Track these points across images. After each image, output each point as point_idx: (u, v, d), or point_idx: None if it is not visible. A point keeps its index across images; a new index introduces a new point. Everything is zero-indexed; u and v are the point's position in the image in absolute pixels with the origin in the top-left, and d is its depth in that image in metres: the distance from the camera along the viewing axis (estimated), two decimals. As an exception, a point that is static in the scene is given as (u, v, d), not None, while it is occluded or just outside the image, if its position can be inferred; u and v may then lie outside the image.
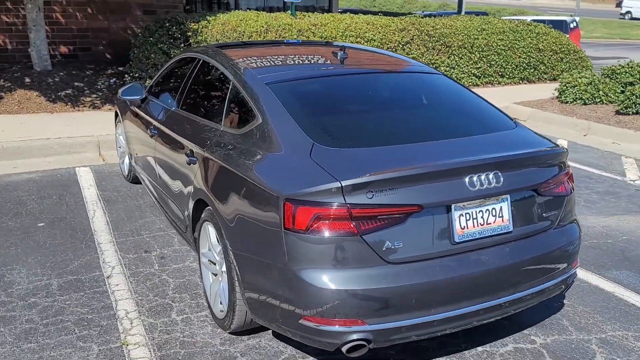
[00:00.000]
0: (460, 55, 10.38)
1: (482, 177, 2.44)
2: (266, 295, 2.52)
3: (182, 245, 4.16)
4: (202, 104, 3.73)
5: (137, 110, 4.63)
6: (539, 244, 2.64)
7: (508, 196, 2.54)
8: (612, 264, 3.88)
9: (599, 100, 8.77)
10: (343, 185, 2.26)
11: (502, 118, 3.03)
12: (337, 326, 2.32)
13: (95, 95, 8.54)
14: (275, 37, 8.97)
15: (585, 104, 8.78)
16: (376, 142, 2.63)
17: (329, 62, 3.41)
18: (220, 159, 2.87)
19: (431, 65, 10.02)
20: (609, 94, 8.71)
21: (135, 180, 5.46)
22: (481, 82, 10.60)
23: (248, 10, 9.64)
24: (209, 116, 3.42)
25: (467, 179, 2.42)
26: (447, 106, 3.18)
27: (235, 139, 2.93)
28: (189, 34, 8.52)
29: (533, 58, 11.20)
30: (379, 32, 9.84)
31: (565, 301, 3.35)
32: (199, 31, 8.58)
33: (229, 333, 3.03)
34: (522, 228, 2.61)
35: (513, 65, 10.95)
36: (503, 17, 13.47)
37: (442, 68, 10.08)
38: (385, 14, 12.38)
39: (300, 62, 3.43)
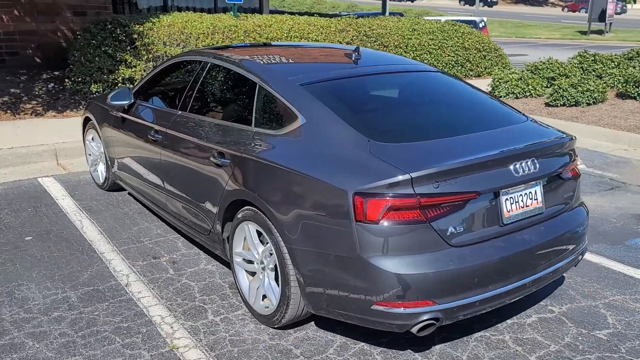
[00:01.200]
0: (397, 54, 10.84)
1: (524, 164, 2.72)
2: (333, 287, 2.65)
3: (189, 249, 4.16)
4: (220, 106, 3.75)
5: (124, 115, 4.54)
6: (562, 222, 2.96)
7: (540, 181, 2.84)
8: (589, 239, 4.34)
9: (528, 94, 9.53)
10: (413, 177, 2.45)
11: (514, 112, 3.34)
12: (410, 308, 2.50)
13: (35, 102, 8.11)
14: (223, 39, 8.95)
15: (517, 97, 9.51)
16: (421, 137, 2.83)
17: (347, 63, 3.56)
18: (266, 159, 2.94)
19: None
20: (537, 88, 9.49)
21: (113, 188, 5.33)
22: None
23: (181, 12, 9.49)
24: (232, 118, 3.47)
25: (512, 166, 2.69)
26: (465, 101, 3.44)
27: (275, 140, 3.02)
28: (135, 36, 8.31)
29: (460, 56, 11.91)
30: (322, 33, 10.08)
31: (564, 274, 3.73)
32: (145, 33, 8.39)
33: (276, 328, 3.12)
34: (550, 209, 2.92)
35: (443, 64, 11.59)
36: (425, 18, 14.16)
37: (381, 67, 10.47)
38: (310, 14, 12.61)
39: (321, 63, 3.57)
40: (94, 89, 8.08)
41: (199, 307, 3.37)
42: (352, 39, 10.40)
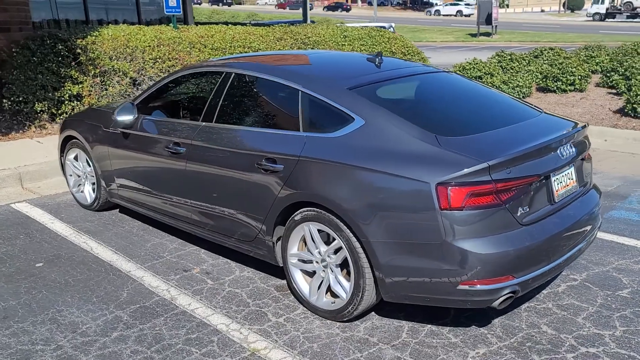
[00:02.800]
0: (334, 60, 11.20)
1: (566, 148, 3.10)
2: (417, 274, 2.87)
3: (215, 259, 4.18)
4: (255, 115, 3.81)
5: (126, 131, 4.45)
6: (589, 199, 3.38)
7: (574, 163, 3.23)
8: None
9: (462, 92, 10.22)
10: (490, 164, 2.73)
11: (529, 106, 3.72)
12: (493, 284, 2.78)
13: (-27, 125, 7.56)
14: (169, 51, 8.81)
15: (452, 96, 10.17)
16: (475, 130, 3.11)
17: (373, 67, 3.77)
18: (333, 160, 3.09)
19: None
20: (469, 87, 10.21)
21: (103, 208, 5.18)
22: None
23: (104, 26, 9.24)
24: (273, 125, 3.57)
25: (558, 151, 3.05)
26: (488, 97, 3.76)
27: (334, 142, 3.18)
28: (79, 51, 7.99)
29: (389, 60, 12.48)
30: (263, 41, 10.20)
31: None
32: (88, 48, 8.09)
33: (344, 321, 3.28)
34: (580, 188, 3.33)
35: (375, 67, 12.09)
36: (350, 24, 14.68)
37: (320, 73, 10.76)
38: (225, 23, 12.62)
39: (352, 68, 3.76)
40: (39, 108, 7.67)
41: (257, 312, 3.44)
42: (291, 47, 10.61)
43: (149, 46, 8.64)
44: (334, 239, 3.20)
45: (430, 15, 61.62)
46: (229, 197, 3.72)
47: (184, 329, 3.27)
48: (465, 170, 2.72)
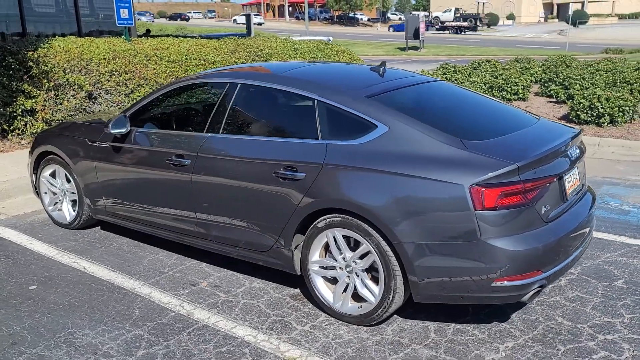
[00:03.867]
0: (287, 73, 11.26)
1: (574, 150, 3.32)
2: (452, 274, 2.97)
3: (220, 272, 4.12)
4: (267, 125, 3.80)
5: (116, 144, 4.31)
6: (588, 199, 3.62)
7: (577, 164, 3.47)
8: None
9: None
10: (519, 166, 2.89)
11: (525, 112, 3.94)
12: (525, 279, 2.93)
13: None
14: (125, 63, 8.57)
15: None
16: (494, 134, 3.26)
17: (378, 76, 3.86)
18: (360, 167, 3.15)
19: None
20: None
21: (85, 226, 4.96)
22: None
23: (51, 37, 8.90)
24: (289, 135, 3.58)
25: (568, 153, 3.27)
26: (489, 104, 3.94)
27: (358, 148, 3.24)
28: (30, 64, 7.62)
29: (339, 72, 12.72)
30: (218, 54, 10.12)
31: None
32: (41, 60, 7.73)
33: (372, 325, 3.33)
34: (582, 186, 3.57)
35: (326, 79, 12.28)
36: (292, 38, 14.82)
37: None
38: (175, 36, 12.47)
39: (361, 77, 3.84)
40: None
41: (280, 321, 3.43)
42: (245, 59, 10.59)
43: (104, 59, 8.38)
44: (360, 244, 3.26)
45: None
46: (241, 207, 3.69)
47: (211, 343, 3.21)
48: (498, 172, 2.87)
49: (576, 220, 3.26)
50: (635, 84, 9.86)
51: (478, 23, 56.14)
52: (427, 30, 53.74)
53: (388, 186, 3.08)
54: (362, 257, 3.27)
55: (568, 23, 50.04)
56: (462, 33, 55.29)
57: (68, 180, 4.90)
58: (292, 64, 4.38)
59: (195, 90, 4.46)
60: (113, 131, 4.20)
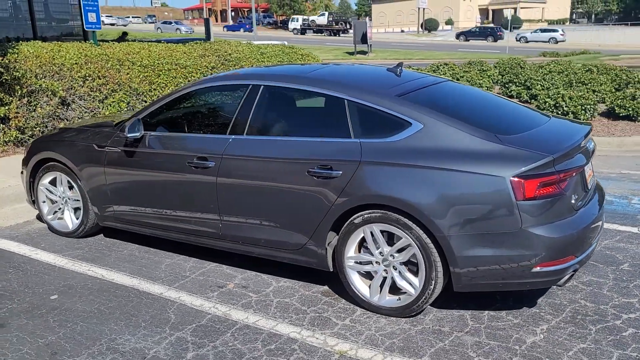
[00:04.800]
0: (256, 77, 11.26)
1: (590, 144, 3.56)
2: (493, 262, 3.12)
3: (243, 272, 4.14)
4: (295, 125, 3.85)
5: (129, 149, 4.25)
6: (599, 189, 3.87)
7: (591, 157, 3.71)
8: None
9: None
10: (554, 158, 3.09)
11: (537, 111, 4.15)
12: (562, 264, 3.12)
13: None
14: (98, 68, 8.36)
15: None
16: (521, 129, 3.44)
17: (397, 77, 3.98)
18: (401, 163, 3.26)
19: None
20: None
21: (89, 234, 4.84)
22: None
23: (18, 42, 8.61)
24: (321, 134, 3.63)
25: (586, 146, 3.49)
26: (502, 102, 4.13)
27: (394, 145, 3.35)
28: (1, 70, 7.31)
29: (305, 75, 12.83)
30: (188, 58, 10.01)
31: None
32: (11, 66, 7.44)
33: (411, 316, 3.44)
34: (594, 178, 3.82)
35: (293, 83, 12.35)
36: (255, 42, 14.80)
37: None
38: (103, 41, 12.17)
39: (383, 78, 3.95)
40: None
41: (319, 317, 3.49)
42: (215, 63, 10.52)
43: (76, 63, 8.14)
44: (396, 238, 3.37)
45: (297, 33, 63.25)
46: (271, 207, 3.72)
47: (257, 341, 3.24)
48: (536, 164, 3.05)
49: (595, 209, 3.49)
50: (589, 84, 10.46)
51: (348, 26, 59.26)
52: (304, 33, 58.95)
53: (429, 181, 3.21)
54: (400, 250, 3.38)
55: (505, 28, 52.39)
56: (338, 35, 58.04)
57: (70, 188, 4.77)
58: (310, 66, 4.44)
59: (211, 94, 4.45)
60: (130, 135, 4.14)
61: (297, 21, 62.42)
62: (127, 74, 8.73)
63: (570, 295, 3.66)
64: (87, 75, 8.18)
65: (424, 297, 3.32)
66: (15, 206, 5.68)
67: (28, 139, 7.57)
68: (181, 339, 3.26)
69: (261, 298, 3.76)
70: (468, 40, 52.30)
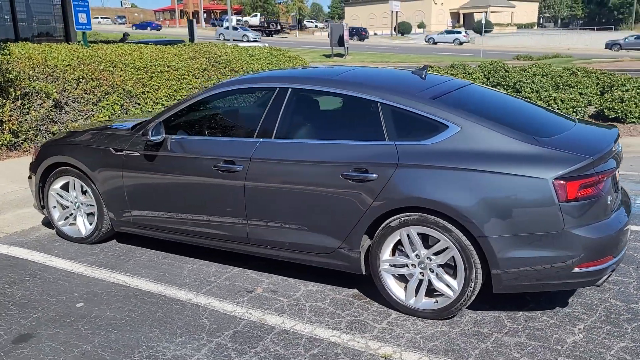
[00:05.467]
0: (246, 79, 11.18)
1: (619, 147, 3.62)
2: (534, 263, 3.15)
3: (269, 277, 4.10)
4: (327, 128, 3.83)
5: (149, 153, 4.17)
6: (623, 191, 3.94)
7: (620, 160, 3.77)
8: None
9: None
10: (594, 160, 3.14)
11: (561, 114, 4.20)
12: (602, 265, 3.18)
13: None
14: (91, 70, 8.18)
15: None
16: (554, 132, 3.48)
17: (421, 80, 4.00)
18: (440, 165, 3.27)
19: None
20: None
21: (102, 239, 4.74)
22: (262, 102, 11.61)
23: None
24: (354, 137, 3.61)
25: (617, 150, 3.56)
26: (529, 106, 4.17)
27: (432, 148, 3.36)
28: (-7, 71, 7.11)
29: (293, 78, 12.80)
30: (180, 60, 9.89)
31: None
32: (3, 68, 7.23)
33: (448, 318, 3.46)
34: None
35: (282, 85, 12.31)
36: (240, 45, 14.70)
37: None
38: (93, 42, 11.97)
39: (411, 81, 3.95)
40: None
41: (356, 321, 3.48)
42: (206, 66, 10.41)
43: (70, 65, 7.97)
44: (434, 241, 3.38)
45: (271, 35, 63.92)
46: (302, 210, 3.69)
47: (298, 346, 3.21)
48: (578, 165, 3.10)
49: (626, 212, 3.55)
50: (576, 87, 10.69)
51: (279, 27, 62.30)
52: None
53: (469, 183, 3.23)
54: (437, 253, 3.39)
55: (476, 32, 53.30)
56: (271, 35, 59.75)
57: (83, 193, 4.65)
58: (335, 68, 4.43)
59: (234, 97, 4.40)
60: (153, 138, 4.06)
61: (231, 21, 64.45)
62: (121, 76, 8.58)
63: (599, 295, 3.72)
64: (80, 77, 8.01)
65: (463, 299, 3.34)
66: (17, 212, 5.52)
67: (22, 143, 7.38)
68: (221, 346, 3.21)
69: (293, 302, 3.72)
70: (436, 44, 53.24)
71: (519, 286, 3.28)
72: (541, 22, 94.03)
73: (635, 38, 46.98)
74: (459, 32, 54.62)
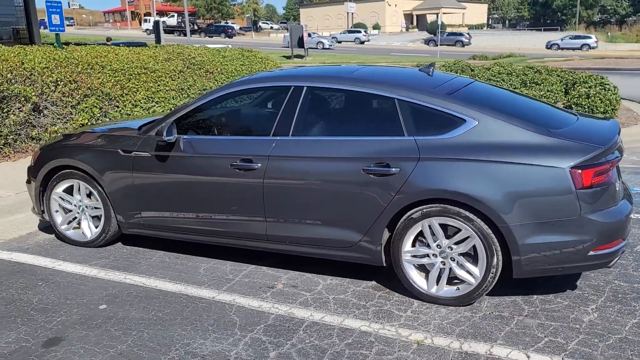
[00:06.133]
0: (222, 81, 11.16)
1: (620, 139, 3.86)
2: (554, 248, 3.34)
3: (286, 273, 4.17)
4: (344, 125, 3.92)
5: (161, 153, 4.17)
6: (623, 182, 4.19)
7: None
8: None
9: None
10: (605, 149, 3.36)
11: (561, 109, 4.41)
12: (613, 247, 3.39)
13: None
14: (69, 72, 8.01)
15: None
16: (562, 124, 3.67)
17: (430, 77, 4.14)
18: (461, 158, 3.42)
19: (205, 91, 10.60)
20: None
21: (109, 242, 4.70)
22: (237, 104, 11.60)
23: None
24: (373, 132, 3.73)
25: (619, 141, 3.79)
26: (532, 101, 4.35)
27: (452, 141, 3.51)
28: (-30, 75, 6.89)
29: (266, 79, 12.83)
30: (156, 62, 9.78)
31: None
32: (-20, 70, 7.02)
33: (469, 304, 3.61)
34: None
35: (255, 86, 12.32)
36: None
37: (210, 93, 10.65)
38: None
39: (425, 78, 4.08)
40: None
41: (381, 311, 3.60)
42: (182, 67, 10.33)
43: (47, 67, 7.78)
44: (454, 230, 3.53)
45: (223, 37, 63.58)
46: (322, 206, 3.78)
47: (332, 337, 3.30)
48: (592, 154, 3.31)
49: (630, 199, 3.79)
50: (542, 84, 11.14)
51: (196, 27, 63.60)
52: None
53: (490, 174, 3.39)
54: (458, 242, 3.54)
55: (430, 33, 54.41)
56: (192, 36, 60.54)
57: (89, 196, 4.60)
58: (347, 67, 4.53)
59: (245, 96, 4.43)
60: (167, 138, 4.06)
61: (149, 22, 66.67)
62: (99, 78, 8.43)
63: (602, 277, 3.96)
64: (58, 79, 7.84)
65: (484, 285, 3.50)
66: (10, 218, 5.39)
67: (1, 148, 7.17)
68: (256, 340, 3.26)
69: (316, 296, 3.80)
70: (340, 42, 54.57)
71: (537, 270, 3.46)
72: (490, 23, 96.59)
73: (570, 38, 50.09)
74: (359, 32, 58.04)
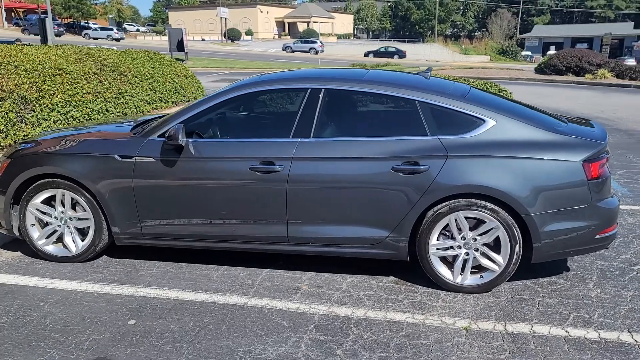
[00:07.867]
0: (135, 84, 10.60)
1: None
2: (567, 233, 3.73)
3: (304, 274, 4.17)
4: (369, 125, 4.00)
5: (171, 158, 3.97)
6: None
7: None
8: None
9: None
10: (605, 144, 3.82)
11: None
12: (612, 231, 3.87)
13: None
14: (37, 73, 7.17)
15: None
16: (561, 124, 4.08)
17: (434, 81, 4.38)
18: (486, 155, 3.68)
19: (125, 94, 10.07)
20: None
21: (96, 256, 4.36)
22: (151, 108, 11.09)
23: None
24: (396, 132, 3.86)
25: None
26: (525, 105, 4.72)
27: (474, 139, 3.76)
28: None
29: (177, 83, 12.38)
30: (67, 62, 9.06)
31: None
32: None
33: (490, 291, 3.89)
34: None
35: (168, 90, 11.86)
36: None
37: (126, 97, 10.10)
38: None
39: (430, 81, 4.29)
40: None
41: (415, 303, 3.76)
42: (96, 69, 9.65)
43: (35, 70, 6.90)
44: (478, 222, 3.79)
45: (89, 38, 59.85)
46: (349, 205, 3.85)
47: (386, 330, 3.39)
48: (598, 149, 3.76)
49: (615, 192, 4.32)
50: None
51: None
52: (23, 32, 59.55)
53: (512, 169, 3.71)
54: (483, 233, 3.80)
55: (305, 40, 55.66)
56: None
57: (73, 207, 4.22)
58: (356, 70, 4.60)
59: (257, 98, 4.33)
60: (181, 141, 3.87)
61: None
62: (15, 79, 7.64)
63: (584, 259, 4.46)
64: (-23, 80, 6.99)
65: (507, 272, 3.80)
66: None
67: None
68: (315, 340, 3.26)
69: (346, 294, 3.86)
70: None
71: (553, 254, 3.84)
72: (356, 33, 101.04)
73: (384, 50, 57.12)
74: (315, 42, 58.07)
